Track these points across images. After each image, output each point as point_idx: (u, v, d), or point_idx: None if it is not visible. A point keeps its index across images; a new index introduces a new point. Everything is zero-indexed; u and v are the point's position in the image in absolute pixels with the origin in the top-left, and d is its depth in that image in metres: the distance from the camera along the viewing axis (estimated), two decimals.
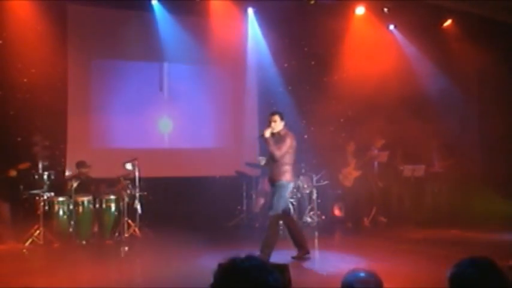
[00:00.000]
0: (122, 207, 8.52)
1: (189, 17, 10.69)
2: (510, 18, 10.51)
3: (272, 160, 6.58)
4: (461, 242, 7.94)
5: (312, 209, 10.54)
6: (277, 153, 6.47)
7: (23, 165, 8.17)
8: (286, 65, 11.43)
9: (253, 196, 10.38)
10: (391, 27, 11.63)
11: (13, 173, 8.08)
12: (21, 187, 8.72)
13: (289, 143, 6.52)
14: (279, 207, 6.47)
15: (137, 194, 8.71)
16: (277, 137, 6.57)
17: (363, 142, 10.40)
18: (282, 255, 6.49)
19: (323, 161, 11.10)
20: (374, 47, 11.15)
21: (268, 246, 6.30)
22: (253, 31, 11.22)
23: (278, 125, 6.58)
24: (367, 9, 11.03)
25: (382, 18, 11.15)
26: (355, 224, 9.91)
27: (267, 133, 6.52)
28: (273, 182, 6.59)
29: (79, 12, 9.96)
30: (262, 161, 7.12)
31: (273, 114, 6.64)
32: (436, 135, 10.82)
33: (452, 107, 10.80)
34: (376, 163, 10.44)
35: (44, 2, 9.26)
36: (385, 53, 11.35)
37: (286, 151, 6.50)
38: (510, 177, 10.45)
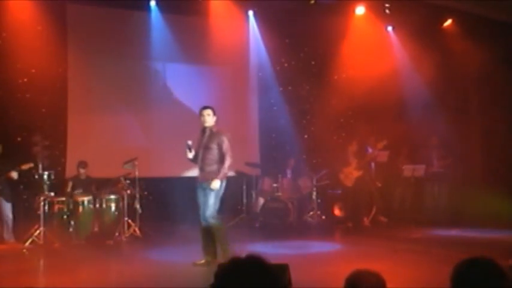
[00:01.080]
0: (122, 207, 8.51)
1: (188, 17, 10.68)
2: (511, 18, 10.50)
3: (203, 158, 6.32)
4: (462, 242, 7.94)
5: (312, 209, 10.53)
6: (230, 158, 6.31)
7: (26, 166, 8.15)
8: (286, 64, 11.43)
9: (254, 196, 10.37)
10: (389, 28, 11.62)
11: (14, 174, 8.05)
12: (21, 187, 8.71)
13: (228, 144, 6.34)
14: (216, 206, 6.34)
15: (137, 194, 8.70)
16: (210, 134, 6.38)
17: (364, 142, 10.39)
18: (283, 254, 6.48)
19: (323, 161, 11.10)
20: (374, 46, 11.14)
21: (227, 243, 6.29)
22: (253, 31, 11.21)
23: (210, 119, 6.41)
24: (367, 9, 11.01)
25: (382, 18, 11.14)
26: (355, 223, 9.90)
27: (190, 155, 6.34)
28: (206, 181, 6.29)
29: (79, 11, 9.94)
30: (189, 154, 6.46)
31: (204, 108, 6.46)
32: (436, 134, 10.81)
33: (453, 106, 10.79)
34: (373, 163, 10.42)
35: (43, 2, 9.25)
36: (386, 52, 11.34)
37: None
38: (510, 176, 10.44)
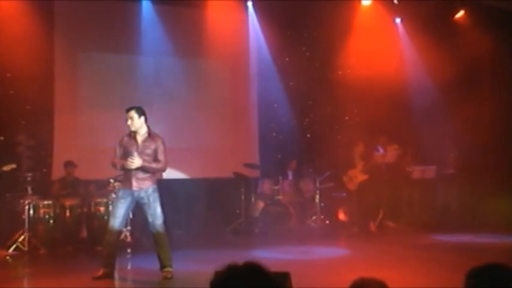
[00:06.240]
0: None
1: (184, 8, 10.67)
2: None
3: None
4: (475, 248, 7.94)
5: (315, 213, 10.53)
6: (164, 165, 6.28)
7: (8, 167, 8.13)
8: (287, 59, 11.42)
9: (252, 199, 10.38)
10: (398, 20, 11.61)
11: None
12: (4, 189, 8.69)
13: (164, 148, 6.23)
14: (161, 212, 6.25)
15: None
16: (145, 138, 6.19)
17: (372, 142, 10.37)
18: (284, 261, 6.48)
19: (326, 162, 11.10)
20: (381, 40, 11.13)
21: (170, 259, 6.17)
22: (252, 23, 11.20)
23: (136, 122, 6.14)
24: None
25: (390, 9, 11.12)
26: (361, 229, 9.90)
27: (137, 162, 6.02)
28: (144, 188, 6.14)
29: (67, 3, 9.93)
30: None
31: (128, 110, 6.17)
32: (448, 133, 10.81)
33: (465, 103, 10.77)
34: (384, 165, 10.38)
35: None
36: (393, 46, 11.34)
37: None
38: None
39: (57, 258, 7.62)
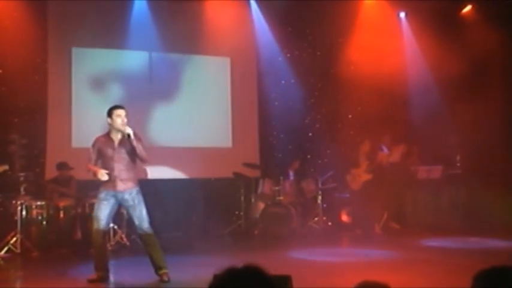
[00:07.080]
0: None
1: (182, 3, 10.66)
2: None
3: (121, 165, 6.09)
4: (481, 251, 7.94)
5: (317, 215, 10.52)
6: (147, 155, 6.18)
7: (0, 168, 8.12)
8: (289, 55, 11.41)
9: (253, 200, 10.37)
10: (402, 15, 11.60)
11: None
12: None
13: (142, 143, 6.19)
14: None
15: None
16: (122, 138, 6.14)
17: (377, 141, 10.35)
18: (285, 264, 6.48)
19: (329, 161, 11.09)
20: (385, 35, 11.12)
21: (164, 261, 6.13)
22: (253, 19, 11.18)
23: (125, 121, 6.12)
24: None
25: (395, 4, 11.12)
26: (365, 231, 9.90)
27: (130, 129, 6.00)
28: (128, 189, 6.10)
29: None
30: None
31: (123, 108, 6.19)
32: (455, 132, 10.79)
33: (473, 100, 10.76)
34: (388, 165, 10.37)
35: None
36: (398, 42, 11.32)
37: None
38: None
39: (50, 261, 7.60)
